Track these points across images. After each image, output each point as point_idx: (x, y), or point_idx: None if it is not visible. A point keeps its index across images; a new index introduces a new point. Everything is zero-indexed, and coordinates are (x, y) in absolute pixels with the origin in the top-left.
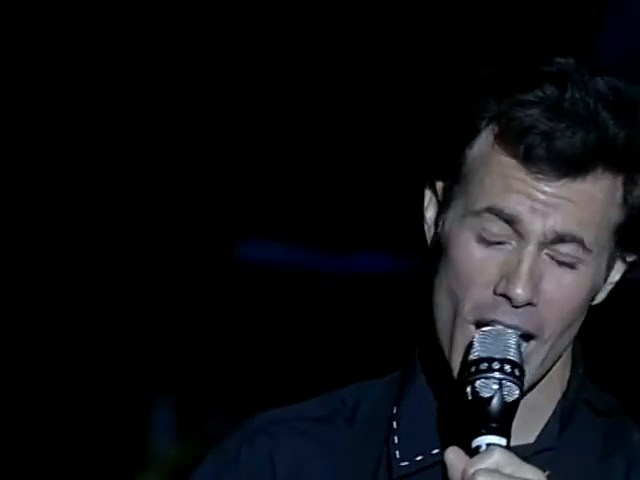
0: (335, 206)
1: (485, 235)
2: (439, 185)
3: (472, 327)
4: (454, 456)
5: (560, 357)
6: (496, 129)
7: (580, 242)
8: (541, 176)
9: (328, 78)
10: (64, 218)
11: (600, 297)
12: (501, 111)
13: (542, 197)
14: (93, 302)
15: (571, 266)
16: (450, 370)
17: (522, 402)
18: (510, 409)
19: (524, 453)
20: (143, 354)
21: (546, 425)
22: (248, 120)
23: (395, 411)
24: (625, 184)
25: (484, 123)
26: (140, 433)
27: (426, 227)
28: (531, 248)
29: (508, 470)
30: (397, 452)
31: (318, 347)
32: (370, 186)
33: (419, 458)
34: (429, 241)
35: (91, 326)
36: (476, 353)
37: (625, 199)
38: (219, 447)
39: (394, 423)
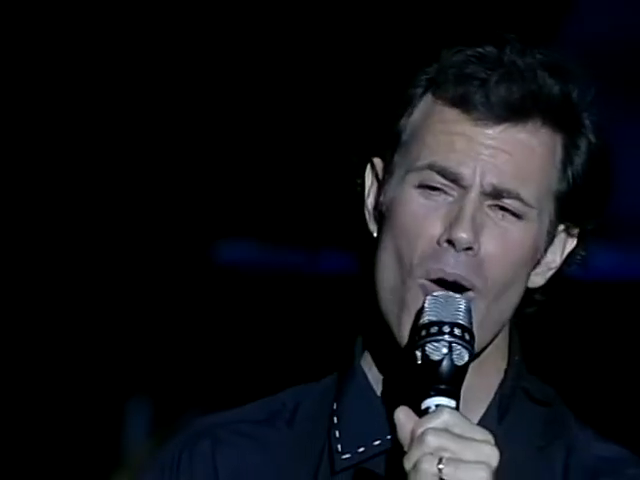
0: (312, 205)
1: (426, 182)
2: (379, 164)
3: (421, 289)
4: (403, 416)
5: (497, 335)
6: (435, 87)
7: (517, 197)
8: (481, 122)
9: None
10: (38, 216)
11: (538, 280)
12: (440, 68)
13: (482, 148)
14: (68, 302)
15: (515, 215)
16: (395, 346)
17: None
18: (459, 372)
19: None
20: (118, 354)
21: (485, 413)
22: (225, 120)
23: (335, 407)
24: (565, 146)
25: (423, 87)
26: (114, 432)
27: (367, 214)
28: (473, 196)
29: (457, 430)
30: (338, 446)
31: (293, 347)
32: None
33: (361, 450)
34: (371, 226)
35: (66, 325)
36: (427, 317)
37: (565, 165)
38: (160, 452)
39: (334, 418)
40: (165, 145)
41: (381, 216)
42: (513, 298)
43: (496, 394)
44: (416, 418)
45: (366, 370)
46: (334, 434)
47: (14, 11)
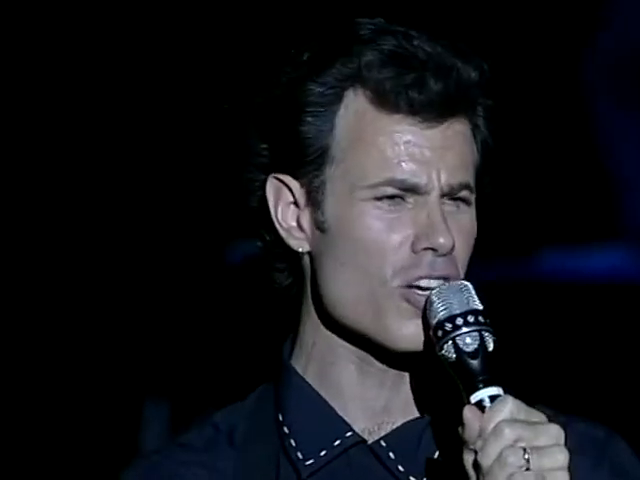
0: None
1: (380, 195)
2: (290, 181)
3: (401, 296)
4: (471, 414)
5: None
6: (362, 97)
7: (467, 186)
8: (426, 124)
9: None
10: (50, 218)
11: None
12: (358, 75)
13: (433, 151)
14: (85, 303)
15: (466, 203)
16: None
17: (409, 380)
18: (493, 358)
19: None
20: (136, 354)
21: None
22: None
23: (281, 418)
24: (471, 125)
25: (337, 94)
26: (131, 433)
27: (283, 232)
28: (434, 199)
29: (522, 416)
30: (298, 454)
31: None
32: None
33: (323, 453)
34: (294, 242)
35: (83, 327)
36: (444, 312)
37: (474, 143)
38: None
39: (284, 429)
40: (180, 146)
41: (321, 233)
42: None
43: None
44: (481, 414)
45: (305, 376)
46: (289, 444)
47: (14, 11)
